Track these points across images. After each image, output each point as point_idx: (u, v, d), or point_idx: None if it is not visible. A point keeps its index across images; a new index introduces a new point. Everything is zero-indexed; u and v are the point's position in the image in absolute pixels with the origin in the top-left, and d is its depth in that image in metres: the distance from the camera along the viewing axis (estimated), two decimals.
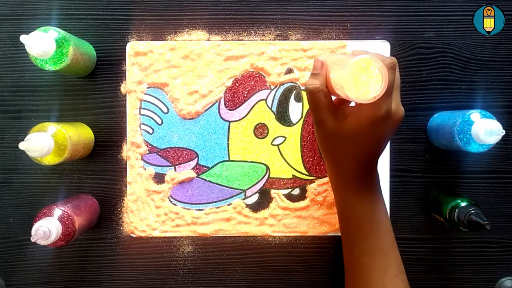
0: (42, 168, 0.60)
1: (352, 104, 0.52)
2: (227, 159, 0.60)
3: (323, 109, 0.48)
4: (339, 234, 0.60)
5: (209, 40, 0.60)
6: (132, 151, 0.60)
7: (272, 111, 0.60)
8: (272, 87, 0.60)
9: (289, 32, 0.61)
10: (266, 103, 0.60)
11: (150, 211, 0.60)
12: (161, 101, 0.60)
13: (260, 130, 0.60)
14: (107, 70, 0.61)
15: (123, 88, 0.60)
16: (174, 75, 0.59)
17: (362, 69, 0.43)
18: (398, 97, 0.47)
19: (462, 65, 0.60)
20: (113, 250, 0.61)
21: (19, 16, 0.60)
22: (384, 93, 0.42)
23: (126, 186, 0.60)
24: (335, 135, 0.48)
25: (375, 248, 0.49)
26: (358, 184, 0.49)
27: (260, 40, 0.60)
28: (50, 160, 0.52)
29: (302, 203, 0.60)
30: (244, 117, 0.60)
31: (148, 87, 0.60)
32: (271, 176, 0.60)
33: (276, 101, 0.60)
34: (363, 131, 0.46)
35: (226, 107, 0.60)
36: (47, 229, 0.48)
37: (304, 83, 0.60)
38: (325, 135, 0.49)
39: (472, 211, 0.51)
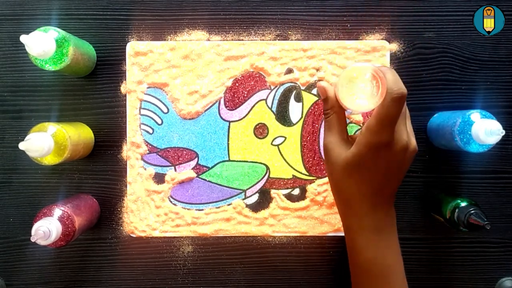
0: (42, 168, 0.60)
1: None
2: (227, 159, 0.60)
3: (333, 134, 0.46)
4: (339, 234, 0.60)
5: (209, 40, 0.60)
6: (132, 151, 0.60)
7: (272, 111, 0.60)
8: (272, 87, 0.60)
9: (289, 32, 0.61)
10: (266, 103, 0.60)
11: (150, 211, 0.60)
12: (161, 101, 0.60)
13: (260, 130, 0.60)
14: (107, 70, 0.61)
15: (123, 88, 0.60)
16: (174, 75, 0.59)
17: (357, 77, 0.43)
18: (408, 129, 0.45)
19: (462, 65, 0.60)
20: (113, 250, 0.61)
21: (19, 16, 0.60)
22: (384, 115, 0.41)
23: (126, 186, 0.60)
24: (340, 164, 0.46)
25: None
26: (369, 226, 0.46)
27: (260, 40, 0.60)
28: (50, 160, 0.52)
29: (302, 203, 0.60)
30: (244, 117, 0.60)
31: (148, 87, 0.60)
32: (271, 176, 0.60)
33: (276, 101, 0.60)
34: (364, 160, 0.44)
35: (226, 107, 0.60)
36: (47, 229, 0.48)
37: (304, 83, 0.60)
38: (331, 164, 0.47)
39: (472, 211, 0.51)
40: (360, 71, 0.43)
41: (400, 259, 0.48)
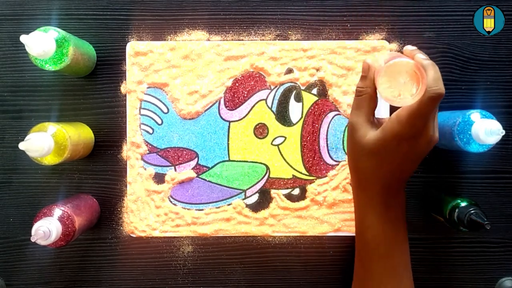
0: (42, 168, 0.60)
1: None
2: (227, 159, 0.60)
3: (361, 114, 0.47)
4: (339, 234, 0.60)
5: (209, 40, 0.60)
6: (132, 151, 0.60)
7: (272, 111, 0.60)
8: (272, 87, 0.60)
9: (289, 32, 0.61)
10: (266, 103, 0.60)
11: (150, 211, 0.60)
12: (161, 101, 0.60)
13: (260, 130, 0.60)
14: (107, 70, 0.61)
15: (123, 88, 0.60)
16: (174, 75, 0.59)
17: (398, 72, 0.42)
18: (435, 123, 0.45)
19: (462, 65, 0.60)
20: (113, 250, 0.61)
21: (19, 16, 0.60)
22: (417, 110, 0.41)
23: (126, 186, 0.60)
24: (362, 145, 0.46)
25: (389, 269, 0.47)
26: (380, 203, 0.47)
27: (260, 40, 0.60)
28: (50, 160, 0.52)
29: (302, 203, 0.60)
30: (244, 117, 0.60)
31: (148, 87, 0.60)
32: (271, 176, 0.60)
33: (276, 101, 0.60)
34: (387, 147, 0.44)
35: (226, 107, 0.60)
36: (47, 229, 0.48)
37: (304, 83, 0.60)
38: (354, 143, 0.47)
39: (472, 211, 0.51)
40: (403, 67, 0.43)
41: (406, 241, 0.49)
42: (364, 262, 0.50)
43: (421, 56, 0.44)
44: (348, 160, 0.50)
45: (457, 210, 0.53)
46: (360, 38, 0.60)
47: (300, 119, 0.60)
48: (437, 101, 0.41)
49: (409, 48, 0.47)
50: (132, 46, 0.59)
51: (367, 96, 0.47)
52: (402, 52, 0.48)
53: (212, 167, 0.60)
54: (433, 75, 0.42)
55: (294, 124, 0.60)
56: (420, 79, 0.42)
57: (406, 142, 0.44)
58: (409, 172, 0.47)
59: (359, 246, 0.51)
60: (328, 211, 0.60)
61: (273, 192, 0.60)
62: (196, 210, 0.60)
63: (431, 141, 0.44)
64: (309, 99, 0.60)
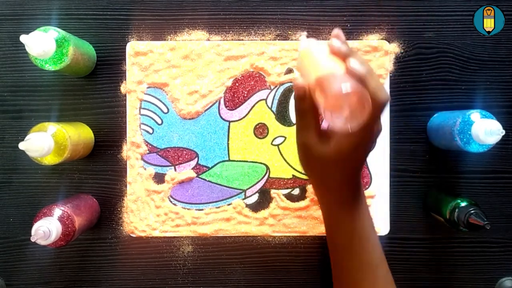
0: (42, 168, 0.60)
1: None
2: (227, 159, 0.60)
3: (310, 134, 0.46)
4: None
5: (209, 40, 0.60)
6: (132, 151, 0.60)
7: (272, 111, 0.60)
8: (272, 87, 0.60)
9: (289, 32, 0.61)
10: (266, 103, 0.60)
11: (150, 211, 0.60)
12: (161, 101, 0.60)
13: (260, 130, 0.60)
14: (107, 70, 0.61)
15: (123, 88, 0.60)
16: (174, 75, 0.59)
17: (340, 106, 0.38)
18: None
19: (462, 65, 0.60)
20: (113, 250, 0.61)
21: (19, 16, 0.60)
22: (368, 122, 0.40)
23: (126, 186, 0.60)
24: (319, 161, 0.46)
25: (364, 263, 0.48)
26: (345, 201, 0.48)
27: (260, 40, 0.60)
28: (50, 160, 0.52)
29: (302, 203, 0.60)
30: (244, 117, 0.60)
31: (148, 87, 0.60)
32: (271, 176, 0.60)
33: (276, 101, 0.60)
34: (345, 155, 0.44)
35: (226, 107, 0.60)
36: (47, 229, 0.48)
37: None
38: (310, 162, 0.48)
39: (472, 211, 0.51)
40: (344, 101, 0.38)
41: (375, 232, 0.49)
42: (339, 261, 0.50)
43: (355, 65, 0.40)
44: (309, 177, 0.50)
45: (457, 210, 0.53)
46: (360, 38, 0.60)
47: None
48: (384, 107, 0.41)
49: (336, 43, 0.44)
50: (132, 46, 0.59)
51: (310, 115, 0.45)
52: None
53: (212, 167, 0.60)
54: (374, 85, 0.40)
55: (294, 124, 0.60)
56: (364, 105, 0.39)
57: (362, 146, 0.44)
58: (364, 162, 0.47)
59: (332, 249, 0.51)
60: None
61: (273, 192, 0.60)
62: (196, 210, 0.60)
63: (380, 132, 0.45)
64: None
